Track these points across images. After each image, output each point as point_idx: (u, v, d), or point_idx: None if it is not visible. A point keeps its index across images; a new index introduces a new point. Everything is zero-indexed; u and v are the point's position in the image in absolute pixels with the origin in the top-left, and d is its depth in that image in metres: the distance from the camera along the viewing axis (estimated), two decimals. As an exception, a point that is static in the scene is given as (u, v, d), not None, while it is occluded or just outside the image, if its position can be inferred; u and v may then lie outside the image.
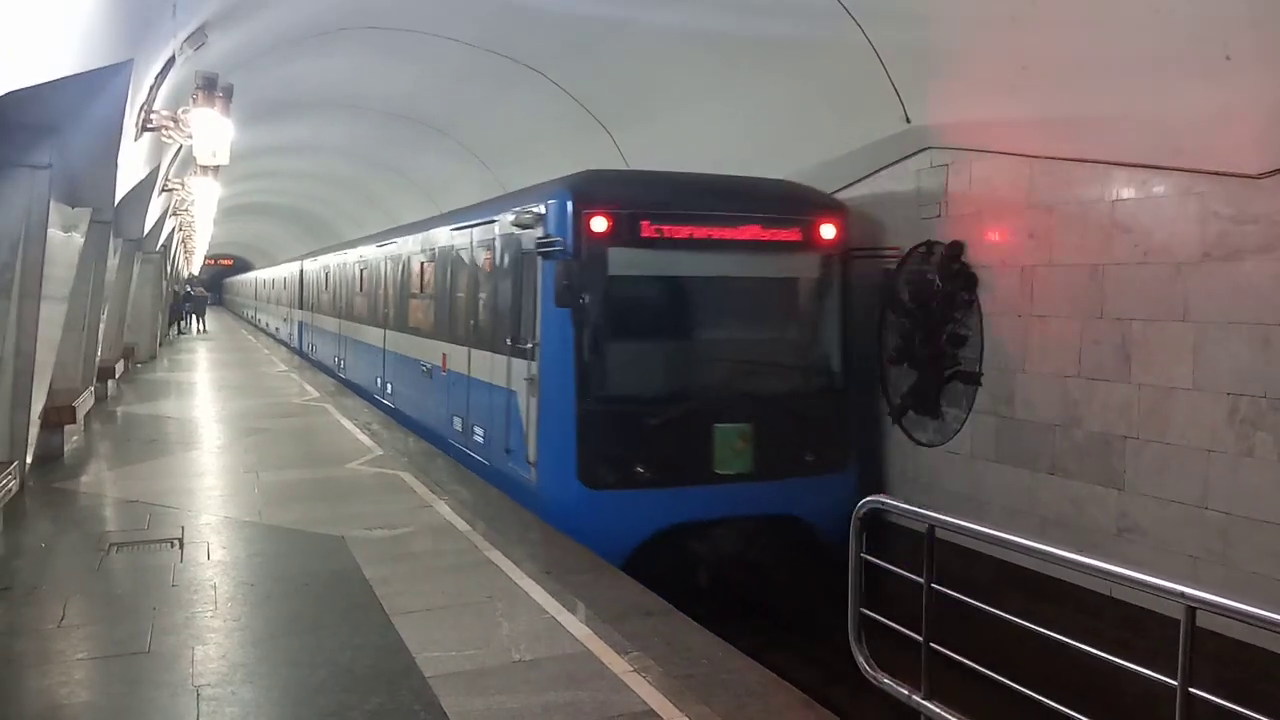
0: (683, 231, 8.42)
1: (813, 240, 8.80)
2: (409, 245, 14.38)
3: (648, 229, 8.29)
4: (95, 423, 12.76)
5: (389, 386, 15.32)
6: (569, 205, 8.22)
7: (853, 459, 8.94)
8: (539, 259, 8.51)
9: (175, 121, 8.31)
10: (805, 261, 8.97)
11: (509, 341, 9.19)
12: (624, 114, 12.97)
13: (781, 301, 9.25)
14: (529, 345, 8.74)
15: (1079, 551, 3.73)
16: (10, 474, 7.20)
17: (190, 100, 8.11)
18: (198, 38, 8.32)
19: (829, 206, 9.13)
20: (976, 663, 3.97)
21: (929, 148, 8.79)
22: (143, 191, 11.49)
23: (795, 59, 9.52)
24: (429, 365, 12.43)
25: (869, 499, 4.35)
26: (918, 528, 4.19)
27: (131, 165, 8.98)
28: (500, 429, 9.47)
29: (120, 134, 7.50)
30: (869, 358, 9.71)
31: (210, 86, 7.90)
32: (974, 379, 8.38)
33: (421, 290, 13.43)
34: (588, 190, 8.41)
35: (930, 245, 8.85)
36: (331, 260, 22.40)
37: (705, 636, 5.34)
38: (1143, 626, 6.60)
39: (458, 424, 10.96)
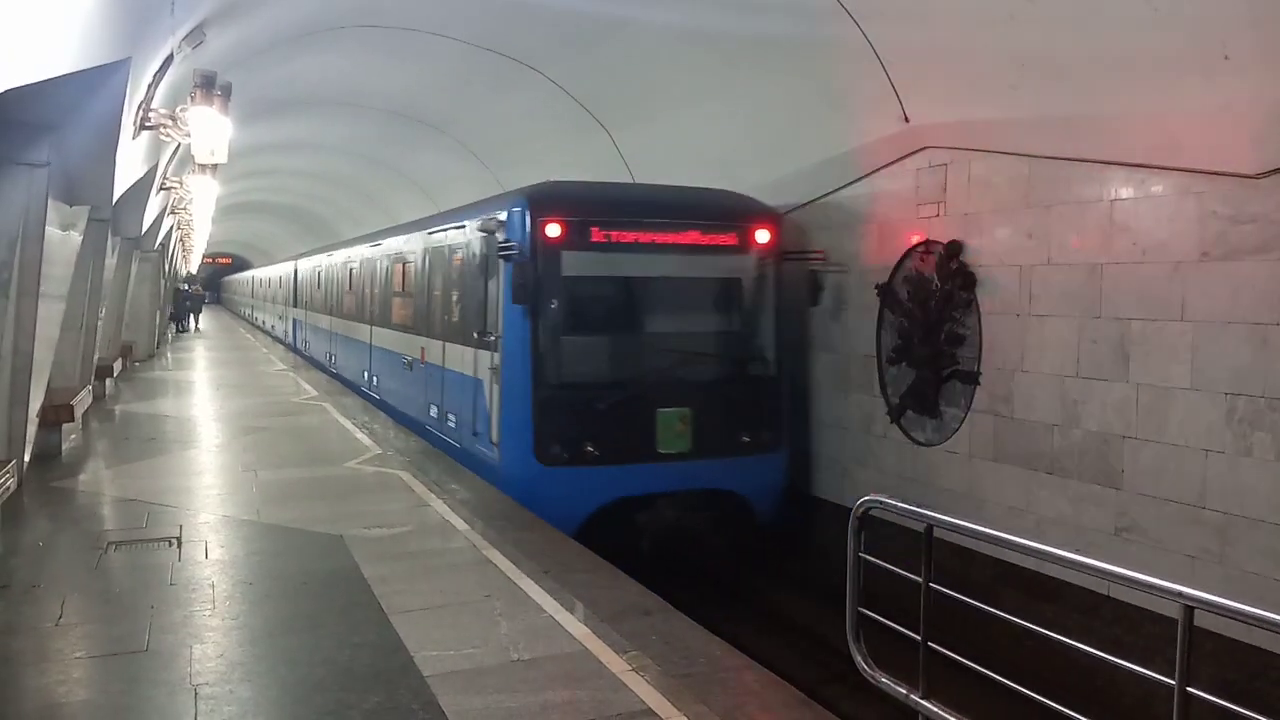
0: (629, 236, 9.36)
1: (748, 244, 9.78)
2: (392, 247, 15.17)
3: (597, 234, 9.24)
4: (93, 421, 12.74)
5: (375, 379, 16.11)
6: (525, 213, 9.15)
7: (785, 440, 9.89)
8: (501, 261, 9.32)
9: (173, 119, 8.30)
10: (740, 262, 9.86)
11: (475, 335, 10.10)
12: (623, 113, 12.97)
13: (719, 298, 10.08)
14: (492, 338, 9.64)
15: (1077, 551, 3.73)
16: (8, 472, 7.19)
17: (188, 98, 8.10)
18: (196, 36, 8.31)
19: (763, 214, 9.99)
20: (974, 662, 3.97)
21: (927, 147, 8.79)
22: (141, 189, 11.47)
23: (794, 58, 9.51)
24: (410, 358, 13.31)
25: (867, 498, 4.35)
26: (915, 526, 4.19)
27: (130, 163, 8.97)
28: (469, 414, 10.37)
29: (118, 132, 7.48)
30: (868, 357, 9.72)
31: (208, 85, 7.88)
32: (972, 378, 8.39)
33: (403, 289, 14.23)
34: (543, 200, 9.32)
35: (928, 244, 8.86)
36: (323, 260, 23.19)
37: (703, 635, 5.34)
38: (1140, 626, 6.61)
39: (434, 411, 11.84)
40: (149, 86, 7.97)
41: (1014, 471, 8.01)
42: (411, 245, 13.76)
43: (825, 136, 9.95)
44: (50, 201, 7.76)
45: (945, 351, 8.65)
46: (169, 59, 8.06)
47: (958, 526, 4.02)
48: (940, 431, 8.80)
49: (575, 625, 5.38)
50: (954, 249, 8.51)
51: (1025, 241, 7.86)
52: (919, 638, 4.07)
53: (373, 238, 17.60)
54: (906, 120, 8.77)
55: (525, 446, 9.04)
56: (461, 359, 10.71)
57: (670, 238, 9.47)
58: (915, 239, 9.02)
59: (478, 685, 4.58)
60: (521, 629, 5.32)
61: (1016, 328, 7.97)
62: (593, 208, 9.47)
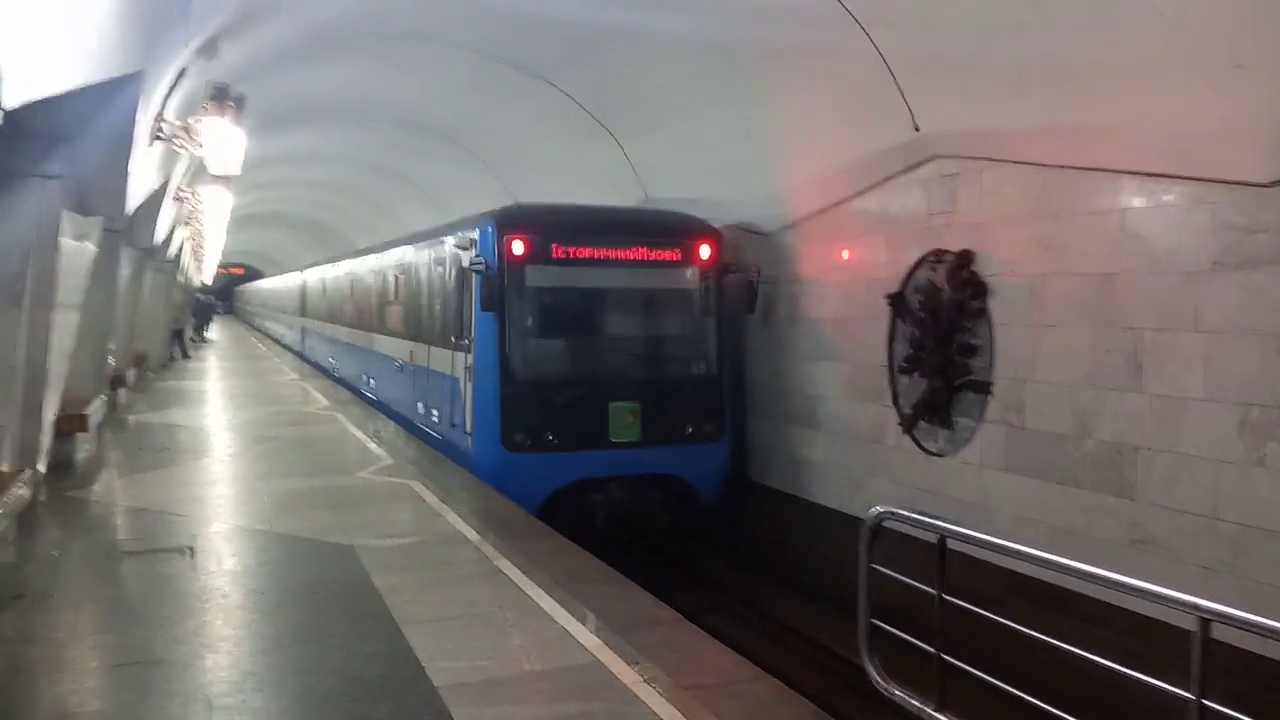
0: (585, 252, 10.67)
1: (690, 259, 11.09)
2: (385, 260, 16.61)
3: (557, 251, 10.55)
4: (107, 431, 12.78)
5: (371, 381, 17.63)
6: (493, 232, 10.47)
7: (725, 432, 11.13)
8: (473, 273, 10.54)
9: (186, 131, 8.35)
10: (684, 275, 11.17)
11: (453, 339, 11.44)
12: (632, 122, 12.98)
13: (665, 306, 11.39)
14: (466, 341, 10.93)
15: (1090, 562, 3.72)
16: (22, 482, 7.23)
17: (201, 109, 8.15)
18: (209, 48, 8.36)
19: (704, 232, 11.24)
20: (987, 673, 3.95)
21: (938, 156, 8.79)
22: (154, 201, 11.53)
23: (803, 67, 9.52)
24: (400, 361, 14.70)
25: (880, 508, 4.34)
26: (927, 537, 4.18)
27: (143, 175, 9.02)
28: (448, 408, 11.70)
29: (131, 144, 7.53)
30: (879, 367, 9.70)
31: (221, 96, 7.95)
32: (984, 388, 8.36)
33: (395, 298, 15.59)
34: (508, 220, 10.67)
35: (939, 254, 8.85)
36: (327, 271, 24.84)
37: (715, 646, 5.33)
38: (1154, 637, 6.56)
39: (420, 408, 13.23)
40: (162, 99, 8.02)
41: (1026, 482, 7.98)
42: (400, 259, 15.19)
43: (835, 146, 9.95)
44: (64, 213, 7.80)
45: (957, 361, 8.63)
46: (182, 71, 8.11)
47: (971, 538, 4.01)
48: (953, 442, 8.78)
49: (587, 636, 5.37)
50: (965, 258, 8.50)
51: (1037, 251, 7.84)
52: (933, 650, 4.06)
53: (368, 251, 19.10)
54: (916, 129, 8.77)
55: (494, 435, 10.33)
56: (441, 360, 12.06)
57: (621, 254, 10.81)
58: (926, 248, 9.01)
59: (490, 696, 4.57)
60: (533, 640, 5.31)
61: (1028, 337, 7.94)
62: (553, 227, 10.74)
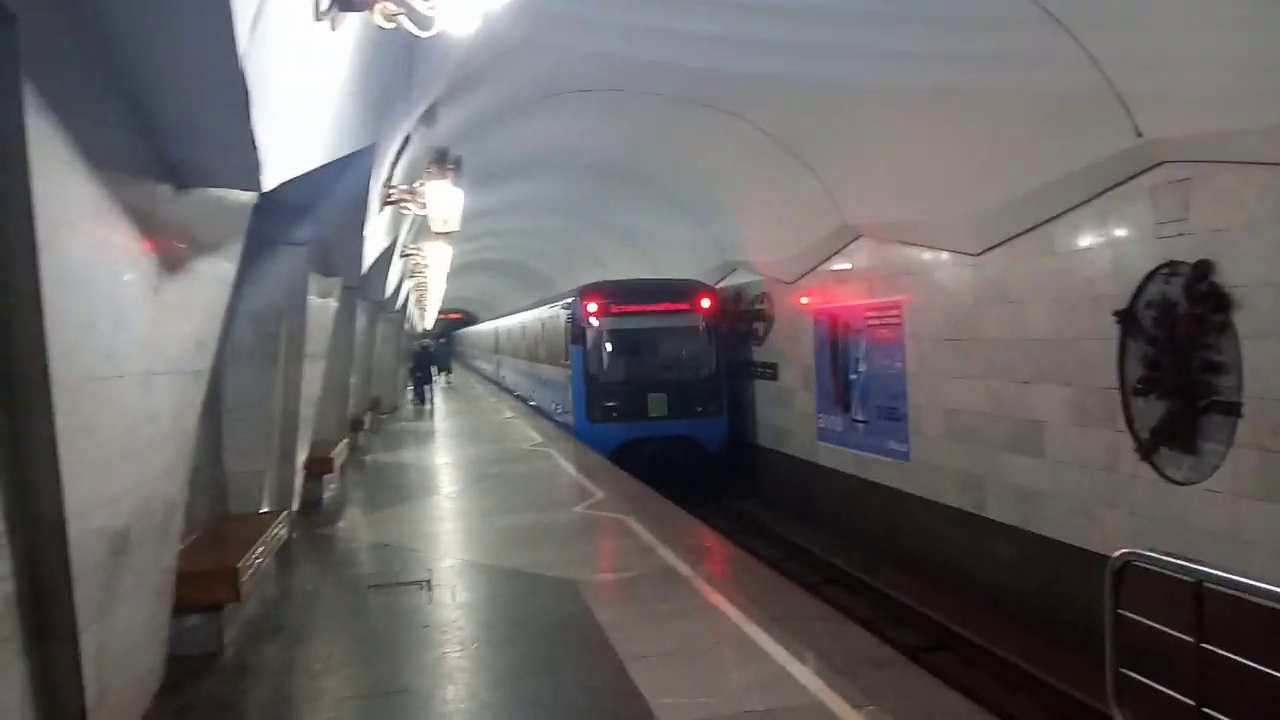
0: (632, 308, 18.28)
1: (697, 307, 18.42)
2: (534, 314, 26.28)
3: (614, 307, 18.27)
4: (348, 471, 13.84)
5: (533, 392, 26.74)
6: (578, 299, 18.52)
7: (723, 411, 18.28)
8: (570, 323, 18.77)
9: (412, 193, 9.02)
10: (694, 318, 18.44)
11: (562, 361, 19.76)
12: (829, 153, 12.86)
13: (682, 335, 18.53)
14: (568, 362, 18.82)
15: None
16: (281, 523, 7.93)
17: (424, 173, 8.78)
18: (429, 117, 9.02)
19: (707, 290, 18.64)
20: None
21: (1164, 162, 8.19)
22: (385, 258, 12.48)
23: (1007, 77, 9.12)
24: (544, 377, 23.92)
25: (1124, 551, 4.05)
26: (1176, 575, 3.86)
27: (375, 236, 9.79)
28: (562, 400, 19.95)
29: (366, 209, 8.20)
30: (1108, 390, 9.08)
31: (441, 160, 8.54)
32: (1234, 409, 7.65)
33: (540, 338, 24.71)
34: (587, 291, 18.68)
35: (1173, 265, 8.22)
36: (509, 321, 35.94)
37: (943, 690, 5.13)
38: None
39: (552, 404, 22.08)
40: (390, 166, 8.70)
41: (1289, 511, 7.22)
42: (540, 314, 24.82)
43: (1045, 159, 9.44)
44: (310, 275, 8.58)
45: (1200, 380, 7.95)
46: (406, 139, 8.78)
47: (1233, 582, 3.67)
48: (1199, 469, 8.07)
49: (808, 676, 5.30)
50: (1203, 269, 7.85)
51: (1287, 257, 7.13)
52: (1192, 703, 3.74)
53: (527, 309, 29.20)
54: (1138, 135, 8.21)
55: (583, 414, 17.99)
56: (559, 374, 20.58)
57: (653, 307, 18.31)
58: (1156, 260, 8.40)
59: (714, 735, 4.59)
60: (753, 678, 5.29)
61: (1283, 352, 7.21)
62: (612, 293, 18.55)
